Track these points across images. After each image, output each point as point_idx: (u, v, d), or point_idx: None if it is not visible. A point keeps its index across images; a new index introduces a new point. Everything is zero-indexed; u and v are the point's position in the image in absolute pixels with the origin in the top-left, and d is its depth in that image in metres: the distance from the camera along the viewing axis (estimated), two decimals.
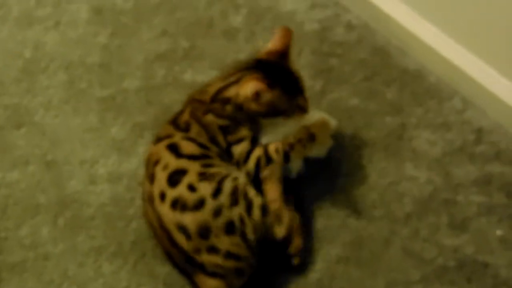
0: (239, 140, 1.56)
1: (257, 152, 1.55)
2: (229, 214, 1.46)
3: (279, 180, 1.56)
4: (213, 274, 1.46)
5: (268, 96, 1.50)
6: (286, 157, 1.55)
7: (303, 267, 1.59)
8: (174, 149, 1.53)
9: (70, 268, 1.60)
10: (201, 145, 1.54)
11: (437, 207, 1.67)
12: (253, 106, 1.52)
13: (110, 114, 1.82)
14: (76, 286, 1.58)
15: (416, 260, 1.60)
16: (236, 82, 1.54)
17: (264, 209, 1.51)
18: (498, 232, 1.64)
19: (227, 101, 1.55)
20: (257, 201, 1.50)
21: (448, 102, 1.82)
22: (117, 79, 1.89)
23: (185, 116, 1.58)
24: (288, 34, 1.58)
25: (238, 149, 1.56)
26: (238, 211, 1.47)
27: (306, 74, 1.85)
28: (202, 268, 1.46)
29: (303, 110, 1.57)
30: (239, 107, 1.54)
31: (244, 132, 1.56)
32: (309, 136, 1.57)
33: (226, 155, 1.56)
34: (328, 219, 1.63)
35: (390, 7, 1.93)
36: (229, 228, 1.46)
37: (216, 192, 1.47)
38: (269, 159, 1.54)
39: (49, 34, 1.99)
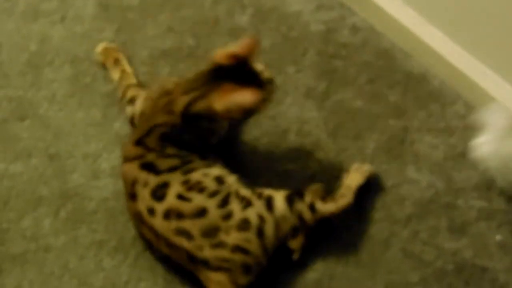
0: None
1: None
2: (243, 215, 1.47)
3: (363, 174, 1.64)
4: (217, 269, 1.46)
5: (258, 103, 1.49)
6: None
7: (302, 266, 1.60)
8: (150, 167, 1.52)
9: (71, 261, 1.61)
10: (178, 156, 1.54)
11: (438, 210, 1.68)
12: (235, 115, 1.51)
13: (114, 109, 1.82)
14: (76, 278, 1.59)
15: (415, 262, 1.61)
16: (203, 96, 1.51)
17: (291, 199, 1.51)
18: (498, 237, 1.65)
19: (199, 117, 1.53)
20: (278, 195, 1.52)
21: (451, 107, 1.83)
22: None
23: (152, 142, 1.55)
24: (255, 45, 1.54)
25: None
26: (255, 210, 1.48)
27: (310, 75, 1.87)
28: (205, 263, 1.46)
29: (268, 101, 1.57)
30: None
31: None
32: None
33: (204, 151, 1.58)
34: (329, 219, 1.64)
35: (395, 10, 1.93)
36: (244, 226, 1.46)
37: (223, 204, 1.48)
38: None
39: (55, 28, 1.99)
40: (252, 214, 1.47)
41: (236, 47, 1.53)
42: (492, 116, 1.69)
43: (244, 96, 1.46)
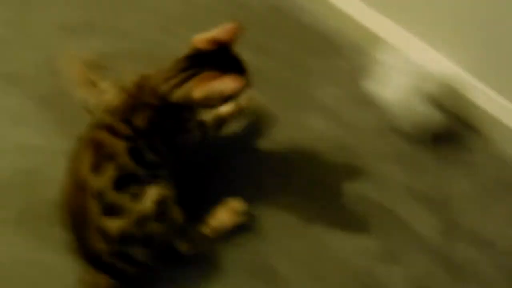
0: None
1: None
2: (152, 228, 1.43)
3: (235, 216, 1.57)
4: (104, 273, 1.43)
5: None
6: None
7: None
8: (135, 154, 1.43)
9: None
10: (159, 153, 1.47)
11: (341, 155, 1.70)
12: (215, 103, 1.44)
13: (12, 87, 1.78)
14: None
15: (319, 205, 1.62)
16: (181, 84, 1.42)
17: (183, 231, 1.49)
18: (401, 179, 1.68)
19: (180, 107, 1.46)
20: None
21: (349, 56, 1.87)
22: (20, 52, 1.86)
23: (140, 122, 1.45)
24: (237, 30, 1.46)
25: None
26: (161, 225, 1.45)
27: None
28: (104, 268, 1.42)
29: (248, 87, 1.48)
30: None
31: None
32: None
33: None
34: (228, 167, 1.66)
35: None
36: (148, 240, 1.43)
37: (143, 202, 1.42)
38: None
39: None
40: (157, 228, 1.45)
41: (216, 32, 1.45)
42: (391, 61, 1.72)
43: (226, 84, 1.39)
